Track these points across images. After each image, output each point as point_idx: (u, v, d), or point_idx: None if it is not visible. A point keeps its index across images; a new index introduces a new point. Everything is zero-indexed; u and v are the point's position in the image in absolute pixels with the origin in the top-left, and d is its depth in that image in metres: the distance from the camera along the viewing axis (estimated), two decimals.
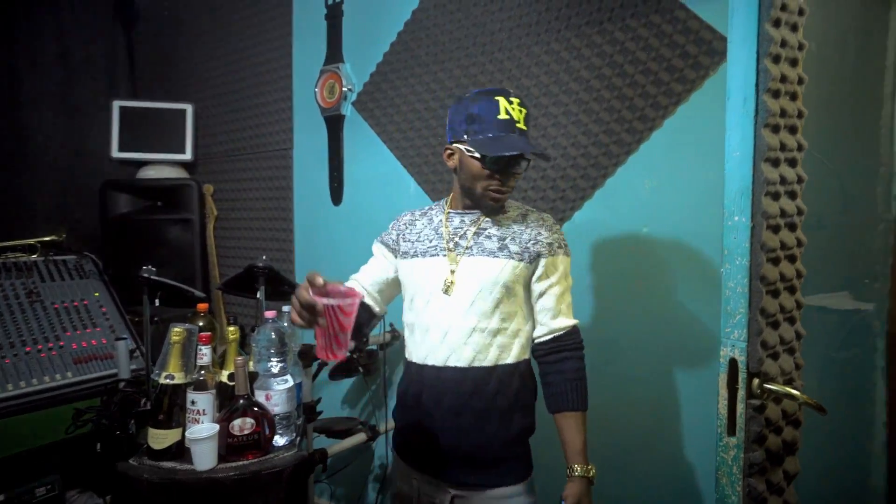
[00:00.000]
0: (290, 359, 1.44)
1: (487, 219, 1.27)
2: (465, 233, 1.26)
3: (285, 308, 1.59)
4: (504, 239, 1.24)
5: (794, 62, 0.83)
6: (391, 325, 2.10)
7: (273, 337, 1.37)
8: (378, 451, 2.25)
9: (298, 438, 1.44)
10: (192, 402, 1.31)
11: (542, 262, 1.24)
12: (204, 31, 2.91)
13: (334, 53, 2.37)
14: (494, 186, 1.20)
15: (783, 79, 0.80)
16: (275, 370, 1.37)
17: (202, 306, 1.56)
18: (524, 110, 1.19)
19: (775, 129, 0.80)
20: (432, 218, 1.32)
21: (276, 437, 1.37)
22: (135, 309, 2.24)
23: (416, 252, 1.28)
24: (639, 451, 1.66)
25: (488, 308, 1.20)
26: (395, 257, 1.33)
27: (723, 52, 1.50)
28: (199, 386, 1.32)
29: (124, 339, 1.89)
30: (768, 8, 0.78)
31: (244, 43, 2.72)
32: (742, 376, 0.81)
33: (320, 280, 0.96)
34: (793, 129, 0.84)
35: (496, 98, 1.16)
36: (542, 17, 1.82)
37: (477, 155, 1.17)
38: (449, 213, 1.30)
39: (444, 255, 1.24)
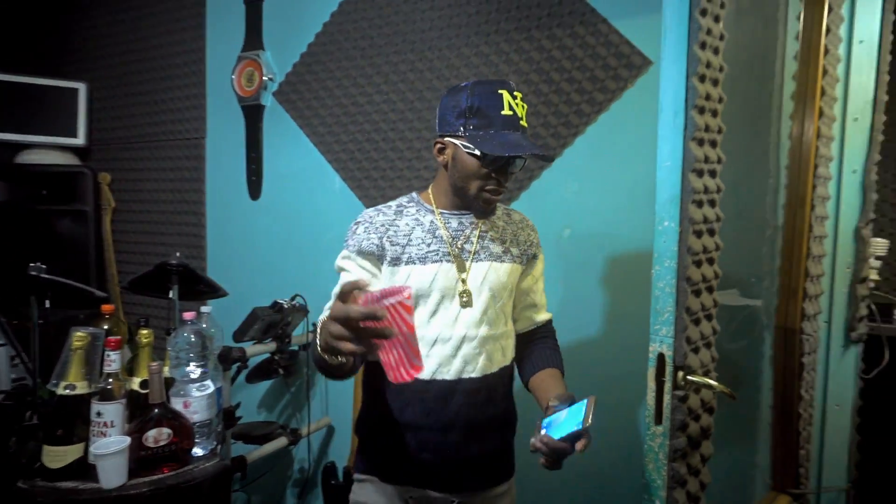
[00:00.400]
0: (211, 363, 1.35)
1: (485, 220, 1.19)
2: (469, 236, 1.15)
3: (204, 309, 1.49)
4: (505, 242, 1.18)
5: (715, 82, 0.91)
6: (314, 324, 2.04)
7: (193, 340, 1.28)
8: (299, 455, 2.18)
9: (219, 447, 1.36)
10: (98, 414, 1.19)
11: (534, 262, 1.24)
12: (101, 1, 2.64)
13: (254, 40, 2.25)
14: (491, 187, 1.11)
15: (707, 97, 0.88)
16: (194, 375, 1.28)
17: (107, 308, 1.42)
18: (525, 106, 1.11)
19: (700, 142, 0.88)
20: (419, 218, 1.15)
21: (196, 448, 1.28)
22: (16, 310, 1.98)
23: (410, 257, 1.11)
24: None
25: (498, 313, 1.15)
26: (381, 265, 1.14)
27: (640, 66, 1.62)
28: (106, 395, 1.21)
29: (2, 345, 1.67)
30: (696, 31, 0.85)
31: (150, 20, 2.50)
32: (669, 369, 0.88)
33: (366, 281, 0.81)
34: (713, 143, 0.92)
35: (500, 91, 1.07)
36: (473, 19, 1.85)
37: (476, 152, 1.06)
38: (442, 213, 1.16)
39: (450, 262, 1.12)
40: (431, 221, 1.15)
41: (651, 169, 1.58)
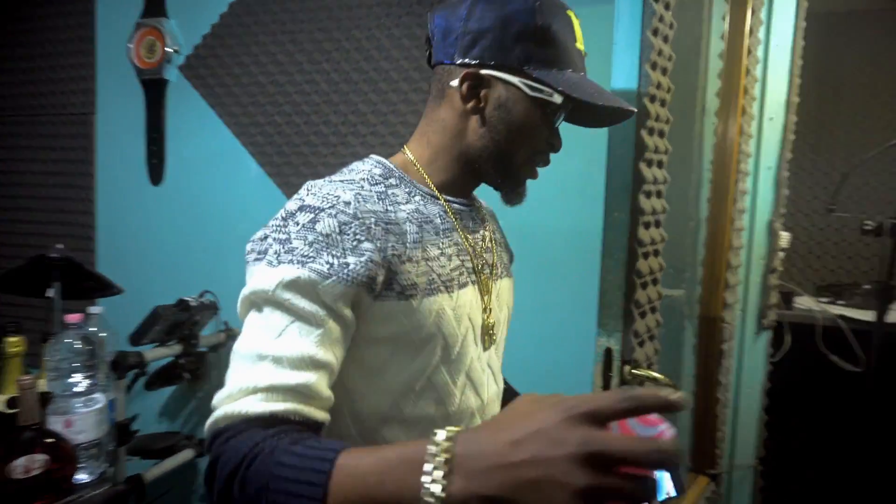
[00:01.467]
0: (102, 372, 1.16)
1: (485, 213, 0.85)
2: (486, 240, 0.78)
3: (93, 309, 1.29)
4: (505, 246, 0.89)
5: (665, 71, 0.89)
6: (225, 323, 1.86)
7: (79, 346, 1.08)
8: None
9: (110, 469, 1.17)
10: None
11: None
12: None
13: (155, 5, 2.00)
14: (546, 156, 0.75)
15: (658, 85, 0.86)
16: (80, 388, 1.09)
17: None
18: None
19: (651, 131, 0.85)
20: (421, 210, 0.70)
21: (81, 473, 1.09)
22: None
23: (433, 282, 0.67)
24: None
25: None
26: (371, 297, 0.63)
27: None
28: None
29: None
30: (650, 17, 0.82)
31: None
32: (616, 364, 0.85)
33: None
34: (661, 133, 0.90)
35: (567, 13, 0.70)
36: None
37: (555, 99, 0.66)
38: (448, 200, 0.73)
39: (475, 283, 0.73)
40: (439, 214, 0.71)
41: (586, 159, 1.59)
